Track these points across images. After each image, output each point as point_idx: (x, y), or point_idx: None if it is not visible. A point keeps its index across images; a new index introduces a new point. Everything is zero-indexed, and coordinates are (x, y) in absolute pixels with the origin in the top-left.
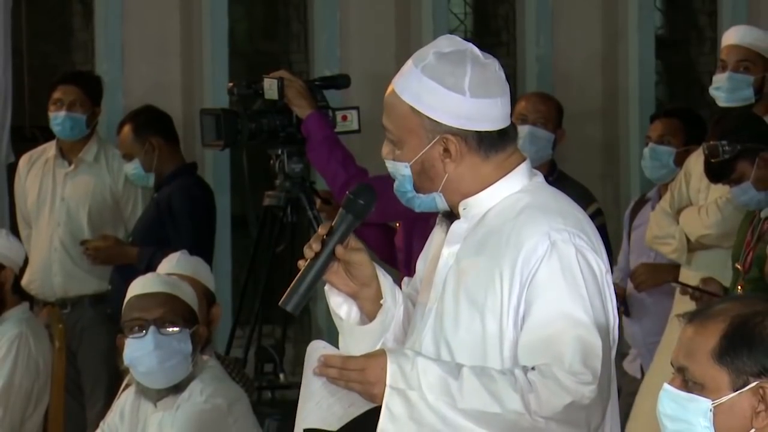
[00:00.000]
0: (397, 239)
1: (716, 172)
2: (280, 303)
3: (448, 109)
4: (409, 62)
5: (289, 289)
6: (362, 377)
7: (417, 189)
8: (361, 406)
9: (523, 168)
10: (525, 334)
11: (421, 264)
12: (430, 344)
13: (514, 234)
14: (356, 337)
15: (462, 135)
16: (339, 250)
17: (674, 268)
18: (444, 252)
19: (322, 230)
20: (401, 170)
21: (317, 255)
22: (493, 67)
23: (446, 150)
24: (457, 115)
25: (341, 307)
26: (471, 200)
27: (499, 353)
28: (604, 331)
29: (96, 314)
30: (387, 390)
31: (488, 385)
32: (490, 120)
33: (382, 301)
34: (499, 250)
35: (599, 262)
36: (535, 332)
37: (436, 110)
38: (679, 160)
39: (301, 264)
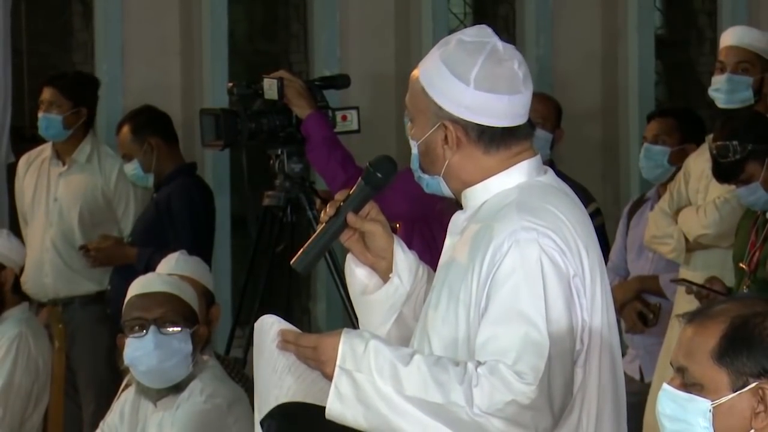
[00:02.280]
0: None
1: (725, 173)
2: (291, 263)
3: (452, 96)
4: (436, 46)
5: (301, 250)
6: (314, 355)
7: (422, 169)
8: None
9: (524, 165)
10: (480, 329)
11: None
12: (419, 334)
13: (489, 230)
14: (362, 308)
15: (462, 125)
16: (350, 217)
17: (642, 280)
18: (447, 242)
19: (339, 196)
20: (413, 148)
21: (331, 220)
22: (510, 63)
23: (447, 137)
24: (458, 104)
25: (368, 278)
26: (469, 191)
27: (467, 347)
28: (562, 333)
29: (86, 315)
30: (336, 370)
31: (437, 374)
32: (493, 115)
33: (391, 275)
34: (476, 245)
35: (568, 263)
36: (487, 327)
37: (442, 96)
38: (674, 159)
39: (316, 228)
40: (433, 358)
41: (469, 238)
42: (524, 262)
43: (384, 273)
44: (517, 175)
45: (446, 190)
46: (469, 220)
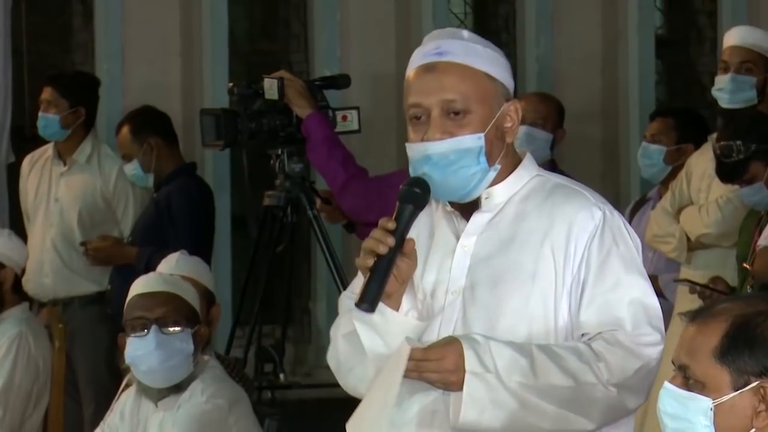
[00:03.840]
0: None
1: (728, 173)
2: (356, 304)
3: (508, 75)
4: (449, 40)
5: (363, 288)
6: (440, 366)
7: (489, 159)
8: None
9: (530, 156)
10: (584, 304)
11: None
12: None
13: (559, 209)
14: (405, 332)
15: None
16: (410, 243)
17: None
18: (461, 242)
19: (390, 224)
20: (467, 143)
21: (390, 249)
22: None
23: (508, 117)
24: (510, 83)
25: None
26: (492, 190)
27: (554, 328)
28: None
29: (86, 315)
30: (467, 376)
31: (557, 360)
32: None
33: (420, 295)
34: (542, 227)
35: (635, 235)
36: (594, 301)
37: (504, 77)
38: (670, 159)
39: (367, 263)
40: (541, 346)
41: (517, 227)
42: (617, 233)
43: (395, 299)
44: (532, 166)
45: (483, 188)
46: (495, 217)
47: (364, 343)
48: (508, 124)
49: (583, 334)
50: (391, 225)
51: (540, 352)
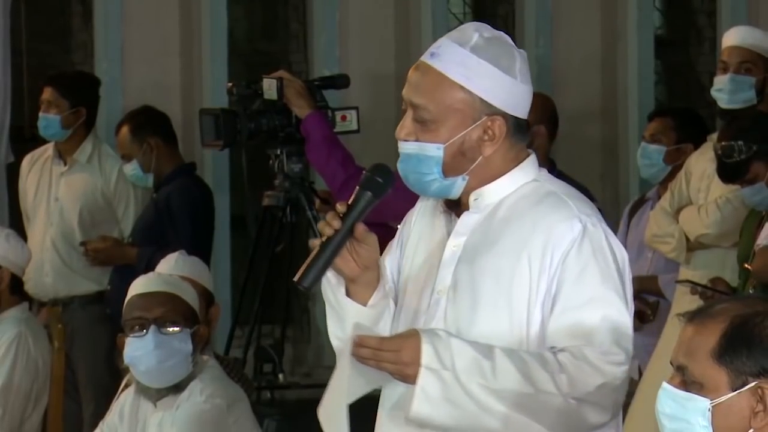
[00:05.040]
0: None
1: (730, 173)
2: (295, 279)
3: (501, 91)
4: (448, 42)
5: (304, 266)
6: (397, 358)
7: (446, 172)
8: (382, 382)
9: (532, 159)
10: (555, 315)
11: (393, 256)
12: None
13: (542, 219)
14: (368, 319)
15: (505, 118)
16: (360, 228)
17: (640, 281)
18: (450, 242)
19: (341, 207)
20: (429, 151)
21: (336, 232)
22: (525, 55)
23: (488, 132)
24: (506, 98)
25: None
26: (483, 190)
27: (526, 336)
28: (631, 315)
29: (86, 315)
30: (421, 370)
31: (520, 366)
32: (525, 107)
33: (387, 285)
34: (523, 235)
35: (621, 248)
36: (566, 314)
37: (488, 91)
38: (670, 159)
39: (316, 243)
40: (507, 349)
41: (504, 231)
42: (595, 246)
43: (363, 285)
44: (530, 170)
45: (456, 192)
46: (485, 219)
47: (328, 326)
48: (486, 138)
49: (552, 347)
50: (341, 208)
51: (503, 356)
